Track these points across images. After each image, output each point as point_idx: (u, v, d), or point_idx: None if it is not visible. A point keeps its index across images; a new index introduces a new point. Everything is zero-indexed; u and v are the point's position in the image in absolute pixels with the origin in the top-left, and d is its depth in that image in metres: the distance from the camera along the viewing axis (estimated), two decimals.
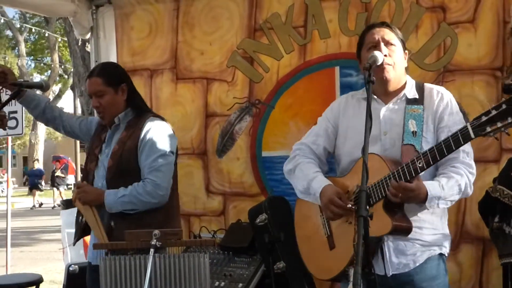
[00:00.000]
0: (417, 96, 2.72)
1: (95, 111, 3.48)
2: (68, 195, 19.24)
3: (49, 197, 23.66)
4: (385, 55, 2.65)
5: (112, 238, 3.13)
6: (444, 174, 2.59)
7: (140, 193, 3.14)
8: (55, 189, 22.19)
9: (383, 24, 2.80)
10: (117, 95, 3.31)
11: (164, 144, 3.24)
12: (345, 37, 3.91)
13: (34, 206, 22.10)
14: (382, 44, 2.67)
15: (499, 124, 2.22)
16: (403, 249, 2.64)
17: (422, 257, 2.65)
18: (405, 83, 2.78)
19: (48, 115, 3.56)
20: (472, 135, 2.31)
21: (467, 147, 2.61)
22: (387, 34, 2.71)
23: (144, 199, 3.14)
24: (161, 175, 3.18)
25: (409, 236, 2.60)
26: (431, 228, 2.67)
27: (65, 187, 20.96)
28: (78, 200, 3.24)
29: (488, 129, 2.25)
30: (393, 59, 2.68)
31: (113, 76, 3.36)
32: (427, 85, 2.79)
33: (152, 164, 3.18)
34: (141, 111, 3.39)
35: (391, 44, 2.68)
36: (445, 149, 2.41)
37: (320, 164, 2.92)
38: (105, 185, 3.25)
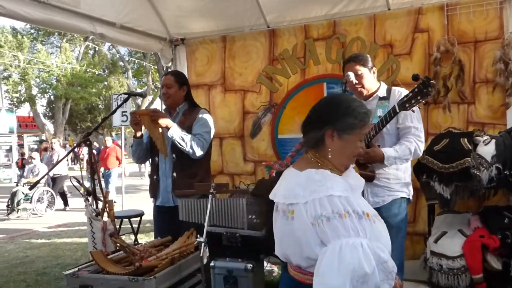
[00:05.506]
0: (385, 95, 2.65)
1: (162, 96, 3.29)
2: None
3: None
4: (356, 82, 2.62)
5: (175, 185, 3.09)
6: (399, 143, 2.52)
7: (193, 141, 3.01)
8: None
9: (354, 60, 2.67)
10: (179, 90, 3.20)
11: (208, 125, 3.15)
12: (329, 64, 3.91)
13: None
14: (353, 76, 2.60)
15: (412, 101, 2.27)
16: (376, 193, 2.60)
17: (388, 199, 2.59)
18: (379, 87, 2.69)
19: (145, 151, 3.25)
20: (397, 110, 2.34)
21: (417, 124, 2.53)
22: (355, 67, 2.63)
23: (193, 144, 2.99)
24: (204, 140, 3.06)
25: (381, 184, 2.58)
26: (395, 179, 2.60)
27: None
28: (150, 118, 2.97)
29: (407, 105, 2.30)
30: (361, 82, 2.62)
31: (180, 78, 3.26)
32: (394, 88, 2.70)
33: (202, 131, 3.08)
34: (192, 105, 3.27)
35: (357, 75, 2.61)
36: (384, 120, 2.41)
37: None
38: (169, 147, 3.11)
